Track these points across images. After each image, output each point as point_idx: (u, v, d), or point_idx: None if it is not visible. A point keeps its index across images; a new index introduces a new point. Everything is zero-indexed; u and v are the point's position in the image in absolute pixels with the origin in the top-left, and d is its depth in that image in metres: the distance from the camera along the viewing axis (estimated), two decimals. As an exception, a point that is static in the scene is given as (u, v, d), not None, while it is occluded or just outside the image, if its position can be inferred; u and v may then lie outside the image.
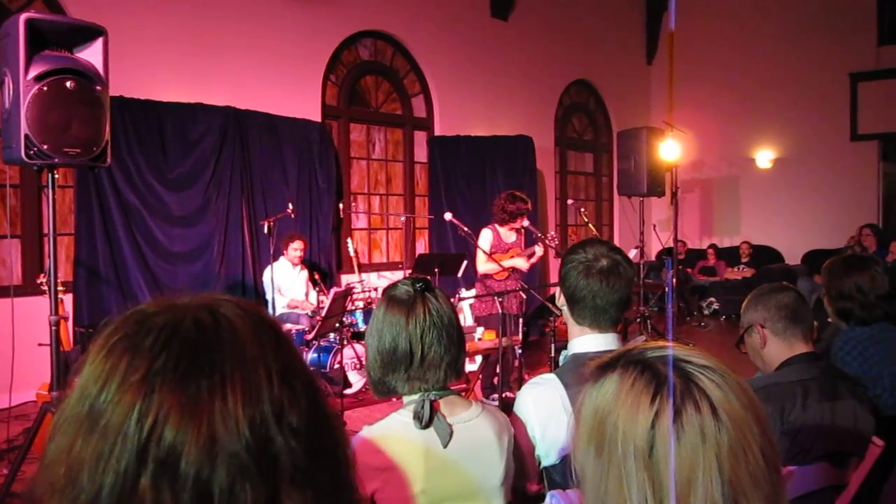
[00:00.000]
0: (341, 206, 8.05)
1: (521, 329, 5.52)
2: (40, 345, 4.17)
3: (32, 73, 3.30)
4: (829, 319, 2.91)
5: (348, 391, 6.05)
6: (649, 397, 0.84)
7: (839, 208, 11.15)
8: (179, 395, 0.62)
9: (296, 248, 6.74)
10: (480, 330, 5.67)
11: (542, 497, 1.64)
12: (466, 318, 6.08)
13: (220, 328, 0.68)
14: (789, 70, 11.54)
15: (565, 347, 2.02)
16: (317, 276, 7.10)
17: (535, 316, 7.81)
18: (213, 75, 6.89)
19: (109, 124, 3.63)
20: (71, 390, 0.67)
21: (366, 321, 6.50)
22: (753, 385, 1.56)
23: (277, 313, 6.58)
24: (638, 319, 7.68)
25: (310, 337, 6.04)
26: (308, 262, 7.18)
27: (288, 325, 6.37)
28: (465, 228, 5.44)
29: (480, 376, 5.48)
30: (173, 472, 0.60)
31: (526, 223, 5.80)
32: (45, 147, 3.32)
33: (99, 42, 3.56)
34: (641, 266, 8.10)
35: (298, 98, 7.62)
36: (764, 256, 11.43)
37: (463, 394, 2.03)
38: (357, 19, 8.26)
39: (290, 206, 6.65)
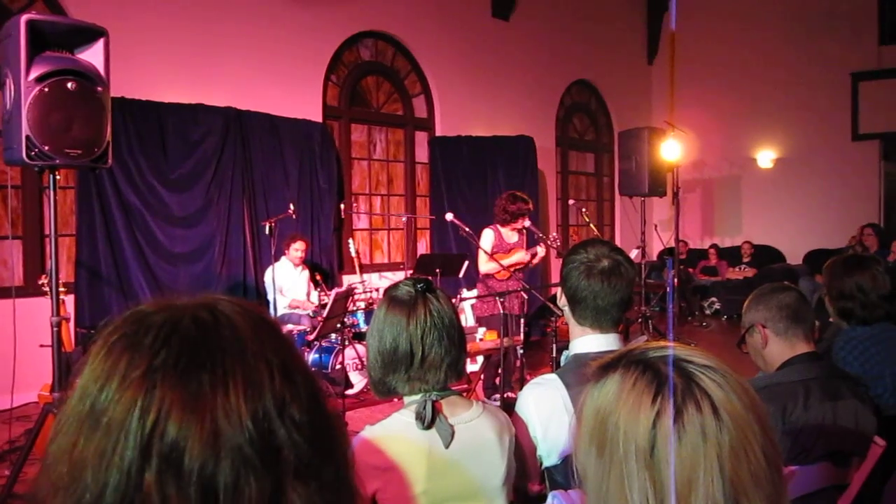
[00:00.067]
0: (342, 206, 8.05)
1: (522, 329, 5.52)
2: (42, 346, 4.17)
3: (33, 74, 3.30)
4: (831, 319, 2.91)
5: (350, 392, 6.06)
6: (650, 397, 0.84)
7: (840, 208, 11.15)
8: (181, 390, 0.63)
9: (297, 249, 6.75)
10: (482, 330, 5.67)
11: (544, 497, 1.64)
12: (468, 319, 6.08)
13: (219, 325, 0.68)
14: (790, 70, 11.54)
15: (567, 348, 2.02)
16: (318, 277, 7.10)
17: (536, 316, 7.81)
18: (214, 76, 6.89)
19: (110, 125, 3.63)
20: (72, 391, 0.67)
21: (367, 322, 6.50)
22: (755, 385, 1.56)
23: (279, 314, 6.58)
24: (639, 319, 7.68)
25: (311, 337, 6.04)
26: (309, 263, 7.19)
27: (289, 326, 6.38)
28: (467, 229, 5.44)
29: (482, 376, 5.48)
30: (178, 468, 0.61)
31: (527, 223, 5.80)
32: (47, 148, 3.32)
33: (100, 43, 3.57)
34: (643, 266, 8.10)
35: (299, 99, 7.62)
36: (765, 256, 11.42)
37: (464, 394, 2.03)
38: (358, 20, 8.26)
39: (292, 206, 6.65)
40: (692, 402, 0.83)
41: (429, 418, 1.66)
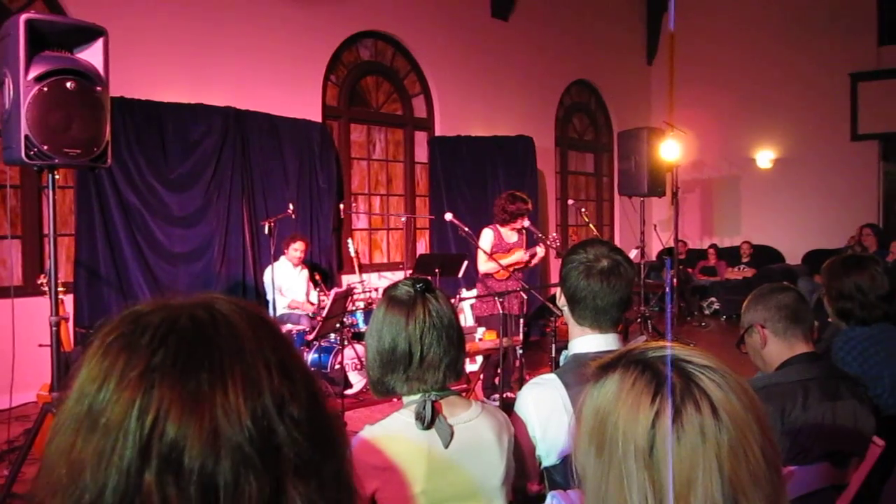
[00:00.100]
0: (342, 206, 8.05)
1: (521, 329, 5.52)
2: (41, 345, 4.17)
3: (33, 73, 3.30)
4: (830, 319, 2.91)
5: (349, 392, 6.05)
6: (650, 397, 0.84)
7: (839, 208, 11.16)
8: (180, 389, 0.62)
9: (296, 249, 6.74)
10: (481, 330, 5.67)
11: (543, 497, 1.64)
12: (467, 319, 6.08)
13: (216, 324, 0.68)
14: (790, 70, 11.55)
15: (566, 348, 2.02)
16: (317, 277, 7.10)
17: (535, 316, 7.80)
18: (213, 76, 6.89)
19: (110, 125, 3.63)
20: (69, 392, 0.66)
21: (366, 322, 6.50)
22: (754, 385, 1.56)
23: (278, 314, 6.58)
24: (638, 319, 7.68)
25: (310, 337, 6.04)
26: (309, 263, 7.18)
27: (288, 326, 6.38)
28: (466, 229, 5.44)
29: (481, 376, 5.48)
30: (177, 467, 0.60)
31: (526, 223, 5.80)
32: (46, 148, 3.32)
33: (99, 42, 3.56)
34: (642, 266, 8.10)
35: (299, 98, 7.62)
36: (764, 256, 11.43)
37: (463, 394, 2.03)
38: (357, 20, 8.26)
39: (291, 206, 6.65)
40: (691, 402, 0.83)
41: (429, 418, 1.66)
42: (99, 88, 3.53)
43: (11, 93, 3.31)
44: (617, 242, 9.55)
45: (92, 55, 3.55)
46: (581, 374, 1.67)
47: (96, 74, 3.53)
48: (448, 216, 5.61)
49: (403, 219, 8.04)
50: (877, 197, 11.31)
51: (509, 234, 5.90)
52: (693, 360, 0.87)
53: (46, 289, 4.22)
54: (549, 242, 5.91)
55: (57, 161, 3.39)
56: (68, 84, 3.40)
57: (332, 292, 5.84)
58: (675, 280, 9.37)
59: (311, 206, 7.61)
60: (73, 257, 6.05)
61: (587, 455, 0.89)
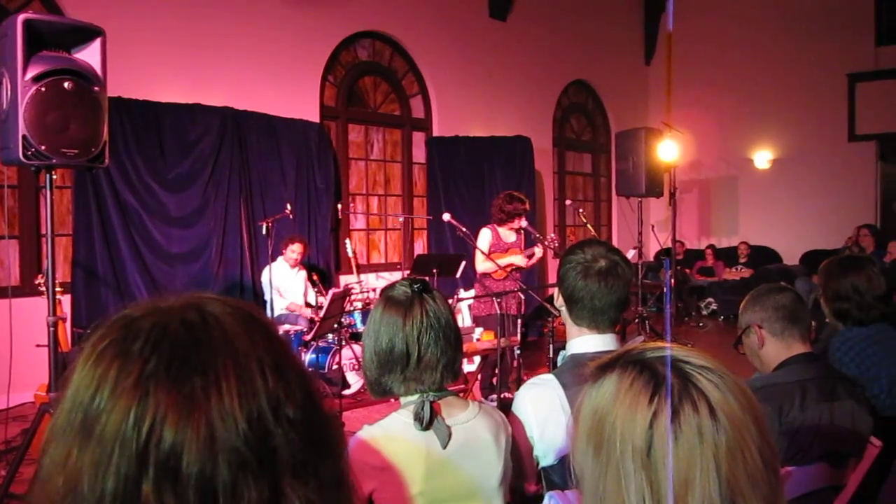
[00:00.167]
0: (339, 206, 8.05)
1: (519, 329, 5.52)
2: (38, 346, 4.17)
3: (30, 73, 3.29)
4: (827, 320, 2.91)
5: (347, 392, 6.05)
6: (647, 397, 0.84)
7: (837, 209, 11.17)
8: (175, 395, 0.62)
9: (294, 251, 6.73)
10: (479, 330, 5.67)
11: (541, 498, 1.65)
12: (465, 319, 6.08)
13: (208, 326, 0.67)
14: (787, 70, 11.56)
15: (564, 348, 2.02)
16: (315, 277, 7.09)
17: (533, 316, 7.81)
18: (211, 76, 6.88)
19: (107, 125, 3.62)
20: (62, 401, 0.65)
21: (364, 322, 6.49)
22: (752, 385, 1.56)
23: (276, 314, 6.58)
24: (636, 320, 7.69)
25: (308, 338, 6.03)
26: (306, 263, 7.18)
27: (286, 326, 6.37)
28: (464, 229, 5.44)
29: (479, 377, 5.48)
30: (175, 474, 0.60)
31: (524, 223, 5.79)
32: (43, 148, 3.31)
33: (97, 42, 3.56)
34: (640, 266, 8.11)
35: (297, 99, 7.62)
36: (762, 257, 11.44)
37: (461, 394, 2.03)
38: (355, 20, 8.26)
39: (289, 206, 6.63)
40: (689, 402, 0.83)
41: (427, 419, 1.66)
42: (96, 88, 3.52)
43: (9, 93, 3.31)
44: (615, 243, 9.54)
45: (90, 55, 3.54)
46: (579, 375, 1.67)
47: (94, 74, 3.52)
48: (446, 216, 5.61)
49: (401, 219, 8.04)
50: (874, 197, 11.32)
51: (507, 235, 5.89)
52: (691, 361, 0.87)
53: (44, 289, 4.21)
54: (546, 243, 5.91)
55: (54, 161, 3.38)
56: (66, 84, 3.39)
57: (330, 293, 5.84)
58: (672, 280, 9.39)
59: (309, 207, 7.60)
60: (71, 257, 6.05)
61: (585, 455, 0.89)
